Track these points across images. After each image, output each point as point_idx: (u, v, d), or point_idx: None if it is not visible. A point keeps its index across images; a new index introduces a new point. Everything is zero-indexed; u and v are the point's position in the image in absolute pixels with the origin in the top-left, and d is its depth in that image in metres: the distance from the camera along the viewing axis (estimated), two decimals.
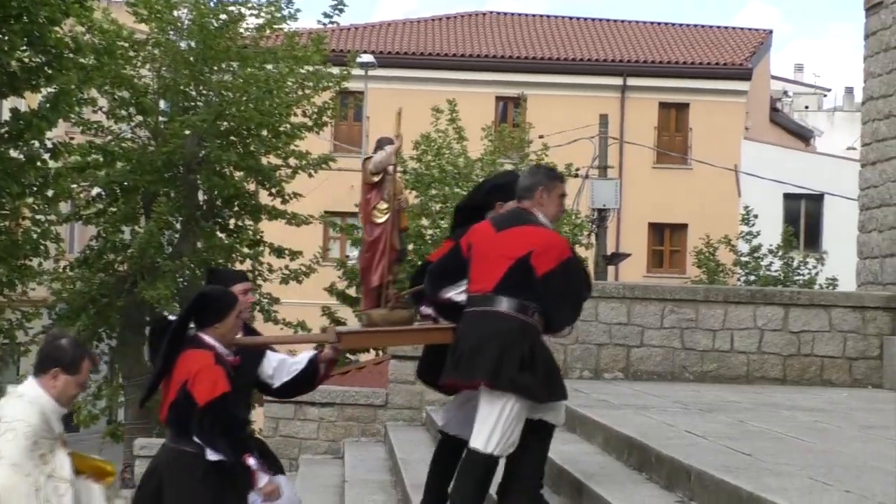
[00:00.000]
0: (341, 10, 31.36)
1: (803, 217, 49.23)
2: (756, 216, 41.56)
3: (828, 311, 17.02)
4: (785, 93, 62.34)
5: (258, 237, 30.76)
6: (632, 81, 48.90)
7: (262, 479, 8.21)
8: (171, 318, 8.75)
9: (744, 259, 42.22)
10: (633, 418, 11.38)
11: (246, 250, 30.50)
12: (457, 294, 8.60)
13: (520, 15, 55.95)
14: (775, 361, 16.89)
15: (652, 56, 50.49)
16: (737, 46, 52.34)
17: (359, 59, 35.54)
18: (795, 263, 42.35)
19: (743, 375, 16.60)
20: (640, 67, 49.54)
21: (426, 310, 9.02)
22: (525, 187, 8.61)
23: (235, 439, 8.18)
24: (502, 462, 8.47)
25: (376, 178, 9.05)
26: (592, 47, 51.13)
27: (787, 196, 48.13)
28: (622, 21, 54.94)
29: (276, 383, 8.93)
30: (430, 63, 49.04)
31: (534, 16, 55.96)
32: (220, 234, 30.34)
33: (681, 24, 55.13)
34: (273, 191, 30.41)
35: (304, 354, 9.01)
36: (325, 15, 31.28)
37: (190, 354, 8.17)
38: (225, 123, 29.80)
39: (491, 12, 56.02)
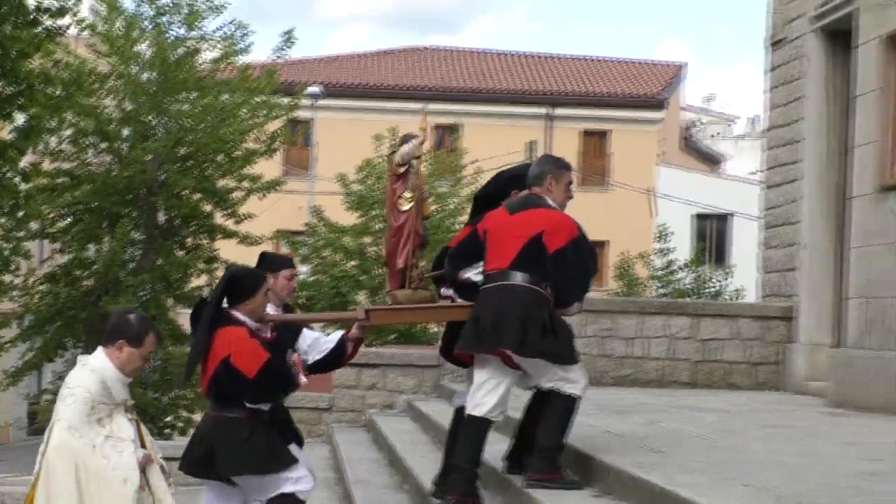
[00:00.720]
0: (291, 45, 31.37)
1: (713, 235, 49.60)
2: (672, 233, 41.90)
3: (733, 321, 17.15)
4: (696, 122, 62.69)
5: (213, 254, 30.72)
6: (558, 111, 49.19)
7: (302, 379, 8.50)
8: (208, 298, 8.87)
9: (658, 273, 42.60)
10: None
11: (202, 266, 30.46)
12: (475, 274, 8.65)
13: (456, 50, 56.10)
14: (685, 367, 17.01)
15: (575, 88, 50.78)
16: (653, 79, 52.65)
17: (307, 90, 35.60)
18: (705, 277, 42.76)
19: (656, 380, 16.68)
20: (564, 98, 49.80)
21: (446, 291, 9.04)
22: (536, 175, 8.64)
23: (288, 384, 8.43)
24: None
25: (402, 169, 9.05)
26: (522, 80, 51.29)
27: (697, 216, 48.54)
28: (549, 56, 55.10)
29: (310, 360, 8.90)
30: (373, 94, 49.07)
31: (469, 50, 56.12)
32: (178, 252, 30.31)
33: (602, 58, 55.32)
34: (227, 212, 30.39)
35: (335, 334, 9.04)
36: (277, 49, 31.29)
37: (225, 331, 8.17)
38: (183, 149, 29.77)
39: (429, 47, 56.11)
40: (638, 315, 17.10)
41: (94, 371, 7.62)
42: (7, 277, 26.47)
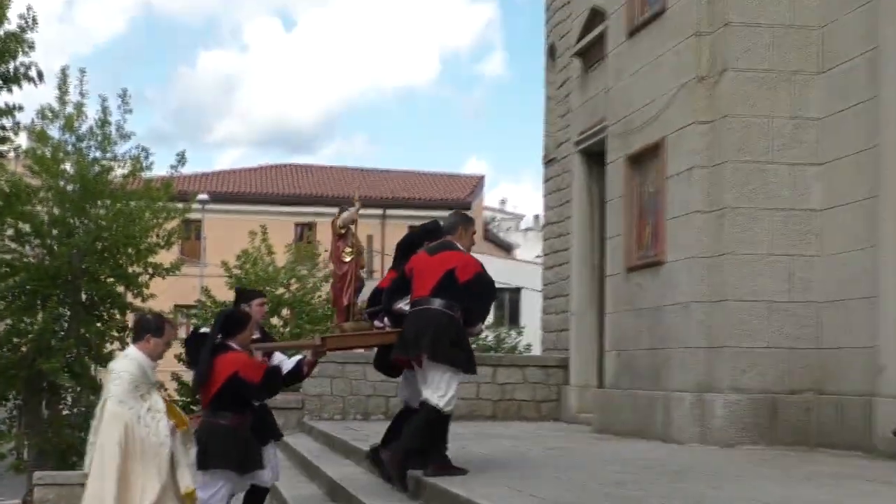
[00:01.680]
0: (184, 163, 31.47)
1: (508, 304, 50.11)
2: None
3: (522, 369, 17.33)
4: (494, 218, 63.43)
5: (124, 325, 30.46)
6: (389, 212, 49.31)
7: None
8: (203, 330, 8.85)
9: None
10: None
11: (115, 334, 30.20)
12: (404, 305, 8.66)
13: (313, 166, 56.21)
14: (488, 404, 17.12)
15: (403, 194, 51.06)
16: (461, 187, 53.25)
17: (198, 197, 35.58)
18: (502, 336, 43.26)
19: (467, 414, 16.72)
20: (394, 202, 50.05)
21: (379, 323, 9.04)
22: (450, 225, 8.79)
23: (278, 388, 8.60)
24: None
25: (343, 231, 9.14)
26: (363, 188, 51.33)
27: (497, 289, 48.94)
28: (383, 170, 55.40)
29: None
30: (249, 199, 48.82)
31: (323, 166, 56.31)
32: (96, 324, 29.99)
33: (423, 172, 55.73)
34: (135, 291, 30.19)
35: (295, 358, 8.95)
36: (173, 166, 31.30)
37: (225, 357, 8.13)
38: (100, 244, 29.54)
39: (292, 164, 56.15)
40: None
41: (133, 359, 7.61)
42: None
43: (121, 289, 30.46)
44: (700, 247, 11.74)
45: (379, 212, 49.09)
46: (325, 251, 37.09)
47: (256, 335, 8.82)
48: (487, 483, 7.97)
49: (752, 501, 6.90)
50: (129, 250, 29.73)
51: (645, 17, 13.20)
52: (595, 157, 16.27)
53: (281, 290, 33.18)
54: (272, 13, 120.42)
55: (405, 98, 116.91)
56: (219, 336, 8.30)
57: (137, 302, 30.10)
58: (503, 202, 73.28)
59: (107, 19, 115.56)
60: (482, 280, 8.60)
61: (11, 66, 22.99)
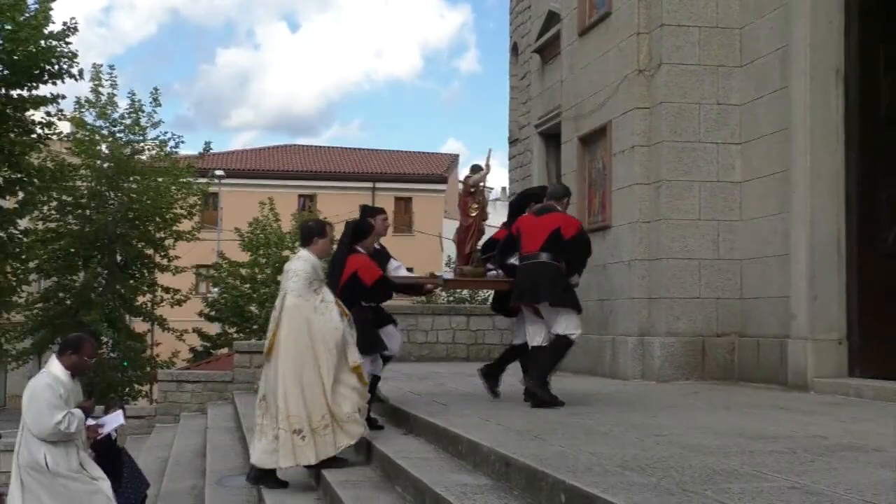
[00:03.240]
0: (209, 150, 31.74)
1: None
2: (455, 263, 42.15)
3: (492, 318, 17.37)
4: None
5: (153, 282, 30.53)
6: (379, 185, 49.25)
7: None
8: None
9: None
10: (381, 385, 11.37)
11: (145, 289, 30.37)
12: (514, 260, 8.79)
13: (314, 146, 55.86)
14: (462, 348, 17.18)
15: (391, 170, 50.91)
16: (439, 164, 53.13)
17: (216, 173, 35.58)
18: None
19: (444, 357, 16.83)
20: (384, 176, 49.93)
21: (491, 270, 9.20)
22: (557, 192, 8.93)
23: (387, 295, 8.53)
24: None
25: (472, 189, 9.18)
26: (355, 164, 51.28)
27: None
28: (373, 150, 55.16)
29: (394, 275, 8.91)
30: (259, 174, 48.56)
31: (323, 147, 55.96)
32: (130, 281, 30.05)
33: (407, 151, 55.57)
34: (161, 254, 30.24)
35: (417, 275, 9.23)
36: (200, 153, 31.53)
37: (354, 257, 8.21)
38: (131, 213, 29.54)
39: (296, 145, 55.93)
40: (431, 315, 17.28)
41: (307, 259, 7.57)
42: (16, 299, 26.10)
43: (149, 251, 30.58)
44: (640, 213, 11.83)
45: (369, 185, 49.09)
46: (324, 218, 37.22)
47: (378, 246, 8.83)
48: (461, 414, 8.02)
49: (684, 427, 7.01)
50: (157, 219, 29.86)
51: (593, 19, 13.21)
52: (552, 138, 16.31)
53: (286, 252, 33.14)
54: (280, 17, 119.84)
55: (394, 89, 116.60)
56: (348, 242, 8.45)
57: (164, 262, 30.32)
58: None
59: (138, 23, 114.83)
60: (582, 237, 8.73)
61: (56, 66, 22.95)
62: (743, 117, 11.60)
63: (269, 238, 34.45)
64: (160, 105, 30.33)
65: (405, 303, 32.98)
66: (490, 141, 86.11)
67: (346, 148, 55.59)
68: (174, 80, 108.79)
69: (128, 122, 30.01)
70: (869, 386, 9.28)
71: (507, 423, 7.33)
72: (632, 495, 4.38)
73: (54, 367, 7.00)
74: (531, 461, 5.30)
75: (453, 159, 55.21)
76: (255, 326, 32.22)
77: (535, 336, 8.72)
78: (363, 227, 8.53)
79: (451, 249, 45.68)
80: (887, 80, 10.17)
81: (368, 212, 8.85)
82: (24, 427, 6.87)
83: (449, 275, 9.81)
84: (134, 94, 30.56)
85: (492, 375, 9.41)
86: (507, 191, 22.02)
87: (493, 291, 9.85)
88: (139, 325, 32.81)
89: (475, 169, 9.35)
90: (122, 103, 30.41)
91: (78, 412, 6.83)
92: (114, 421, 7.31)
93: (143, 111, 30.04)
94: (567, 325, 8.50)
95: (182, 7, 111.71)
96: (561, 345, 8.56)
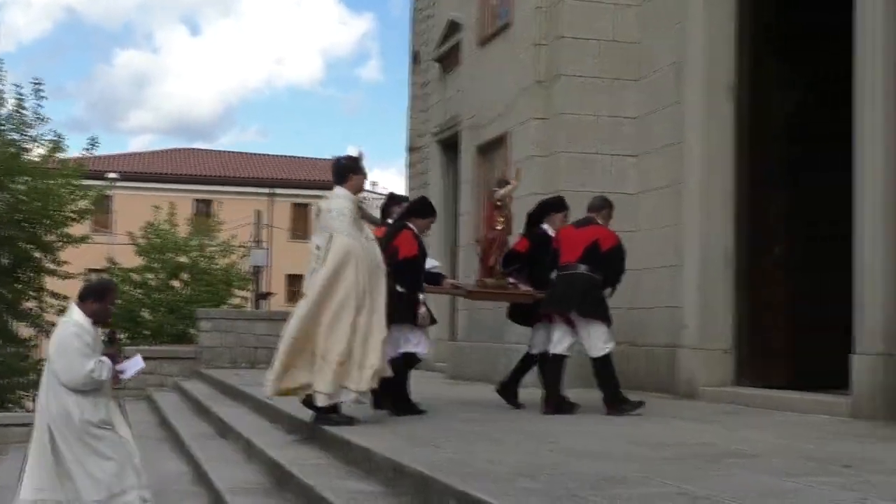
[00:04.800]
0: (96, 146, 30.80)
1: None
2: None
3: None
4: (364, 198, 63.09)
5: (40, 286, 29.78)
6: (277, 191, 48.74)
7: (420, 309, 8.38)
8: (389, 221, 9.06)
9: None
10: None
11: (32, 293, 29.56)
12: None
13: (211, 151, 55.10)
14: None
15: (289, 176, 50.48)
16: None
17: (108, 175, 34.82)
18: None
19: None
20: (281, 181, 49.42)
21: (513, 280, 9.18)
22: (597, 206, 9.01)
23: (418, 281, 8.44)
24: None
25: (500, 203, 9.18)
26: (253, 170, 50.70)
27: None
28: (271, 155, 54.67)
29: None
30: (155, 178, 47.70)
31: (220, 151, 55.21)
32: (15, 285, 29.22)
33: (306, 158, 55.11)
34: (49, 257, 29.50)
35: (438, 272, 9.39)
36: (85, 148, 30.60)
37: (404, 232, 8.44)
38: (20, 215, 28.71)
39: (193, 148, 54.98)
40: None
41: (346, 197, 7.69)
42: None
43: (38, 255, 29.73)
44: None
45: (267, 190, 48.57)
46: (220, 223, 36.95)
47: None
48: (361, 423, 7.87)
49: (576, 434, 7.08)
50: (45, 221, 29.02)
51: (493, 29, 13.31)
52: (450, 146, 16.35)
53: (183, 258, 32.63)
54: (181, 20, 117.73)
55: (295, 96, 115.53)
56: (405, 215, 8.65)
57: (53, 266, 29.56)
58: (374, 184, 72.52)
59: (32, 21, 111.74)
60: (618, 251, 8.79)
61: None
62: (638, 130, 11.79)
63: (165, 243, 33.82)
64: (45, 98, 29.32)
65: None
66: (390, 149, 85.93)
67: (244, 153, 54.97)
68: (69, 80, 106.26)
69: (15, 120, 29.14)
70: (755, 394, 9.52)
71: (403, 431, 7.31)
72: (521, 500, 4.40)
73: (76, 315, 6.69)
74: (422, 467, 5.29)
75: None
76: (146, 332, 31.62)
77: (559, 343, 8.79)
78: (427, 205, 8.87)
79: None
80: (778, 96, 10.47)
81: (427, 205, 9.02)
82: (48, 381, 6.52)
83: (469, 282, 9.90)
84: (21, 88, 29.54)
85: (509, 391, 9.38)
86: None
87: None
88: (25, 331, 31.92)
89: (501, 183, 9.47)
90: (11, 100, 29.09)
91: (106, 360, 6.59)
92: (134, 366, 7.04)
93: (25, 107, 29.09)
94: (597, 342, 8.59)
95: (79, 6, 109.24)
96: (602, 365, 8.64)
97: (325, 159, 55.31)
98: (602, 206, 9.09)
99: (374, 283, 7.56)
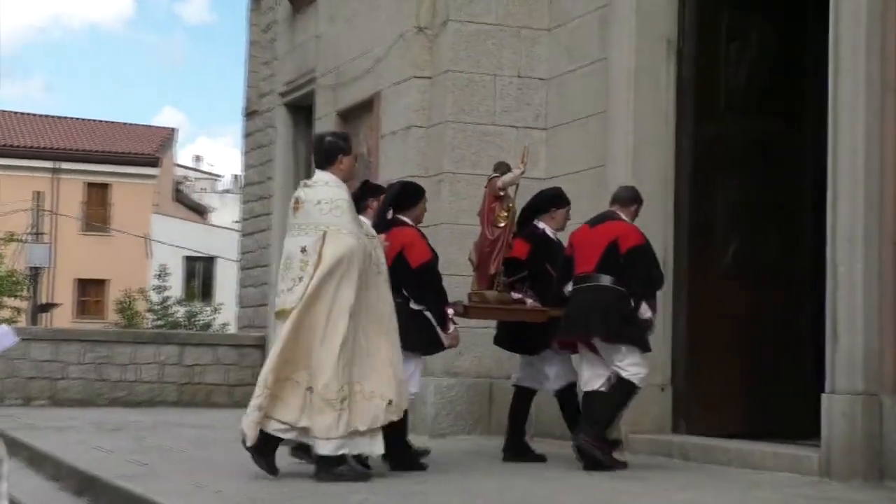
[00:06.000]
0: None
1: (200, 275, 49.65)
2: (170, 273, 41.80)
3: (214, 349, 17.11)
4: (186, 177, 62.47)
5: None
6: (64, 165, 47.73)
7: (451, 327, 8.64)
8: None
9: (156, 307, 42.41)
10: (54, 438, 11.01)
11: None
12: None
13: None
14: (172, 388, 16.84)
15: (81, 145, 49.48)
16: (148, 140, 52.09)
17: None
18: (196, 311, 42.89)
19: (147, 400, 16.43)
20: (70, 153, 48.41)
21: (517, 294, 9.26)
22: (624, 197, 9.02)
23: (441, 292, 8.63)
24: None
25: (502, 193, 9.16)
26: (29, 136, 49.50)
27: (187, 258, 48.38)
28: (57, 117, 53.40)
29: None
30: None
31: None
32: None
33: (106, 121, 54.22)
34: None
35: None
36: None
37: (400, 230, 8.53)
38: None
39: None
40: (132, 344, 16.89)
41: (338, 185, 7.82)
42: None
43: None
44: None
45: (50, 165, 47.35)
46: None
47: None
48: (167, 478, 7.86)
49: (460, 496, 7.02)
50: None
51: None
52: (302, 111, 16.21)
53: None
54: None
55: (94, 39, 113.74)
56: (390, 210, 8.66)
57: None
58: (198, 159, 72.11)
59: None
60: (644, 251, 8.71)
61: None
62: (551, 95, 11.81)
63: None
64: None
65: (96, 326, 32.18)
66: (222, 114, 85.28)
67: (19, 113, 53.53)
68: None
69: None
70: (697, 444, 9.58)
71: (226, 489, 7.23)
72: None
73: None
74: None
75: (169, 135, 54.33)
76: None
77: (592, 380, 8.76)
78: (412, 189, 8.93)
79: (161, 256, 45.02)
80: (729, 55, 10.58)
81: (413, 189, 9.07)
82: None
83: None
84: None
85: (519, 451, 9.34)
86: (241, 180, 21.73)
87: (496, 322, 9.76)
88: None
89: (501, 167, 9.42)
90: None
91: None
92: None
93: None
94: (626, 364, 8.53)
95: None
96: (622, 390, 8.58)
97: (132, 125, 54.60)
98: (633, 199, 9.08)
99: (380, 292, 7.81)
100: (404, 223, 8.71)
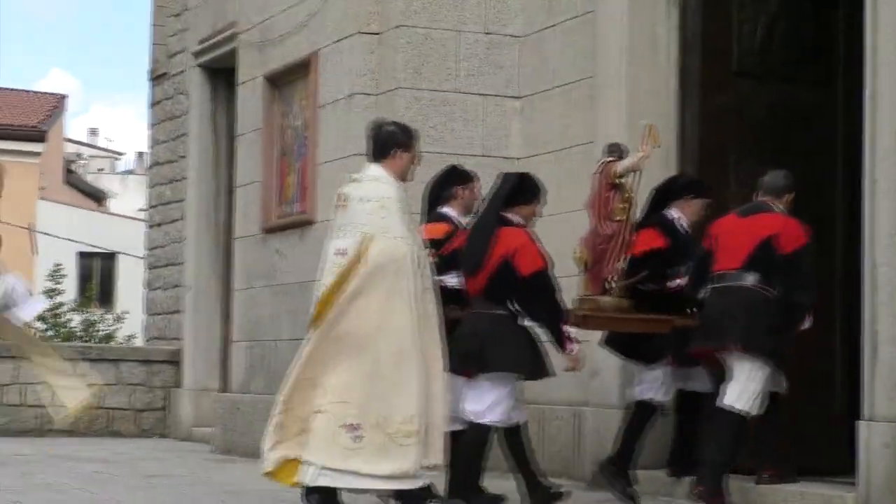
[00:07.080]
0: None
1: (98, 275, 49.34)
2: (66, 275, 41.51)
3: (116, 365, 17.03)
4: (79, 155, 62.11)
5: None
6: None
7: (571, 345, 8.59)
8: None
9: (45, 315, 42.09)
10: None
11: None
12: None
13: None
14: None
15: None
16: (32, 109, 51.73)
17: None
18: (94, 319, 42.54)
19: (35, 429, 16.34)
20: None
21: (671, 284, 9.37)
22: (777, 186, 9.02)
23: (555, 306, 8.58)
24: None
25: (619, 181, 9.20)
26: None
27: (81, 254, 48.06)
28: None
29: None
30: None
31: None
32: None
33: None
34: None
35: None
36: None
37: (510, 231, 8.56)
38: None
39: None
40: (13, 360, 16.73)
41: (390, 182, 8.07)
42: None
43: None
44: None
45: None
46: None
47: None
48: None
49: None
50: None
51: None
52: (222, 74, 16.20)
53: None
54: None
55: None
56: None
57: None
58: (94, 133, 71.82)
59: None
60: (808, 254, 8.70)
61: None
62: (526, 56, 11.83)
63: None
64: None
65: None
66: (124, 78, 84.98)
67: None
68: None
69: None
70: None
71: None
72: None
73: None
74: None
75: (57, 104, 54.01)
76: None
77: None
78: (530, 185, 8.94)
79: (46, 253, 44.72)
80: (743, 8, 10.60)
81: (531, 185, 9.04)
82: None
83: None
84: None
85: (619, 472, 9.37)
86: (147, 159, 21.65)
87: None
88: None
89: (615, 149, 9.41)
90: None
91: None
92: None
93: None
94: (744, 391, 8.57)
95: None
96: (725, 424, 8.59)
97: (13, 91, 54.24)
98: (786, 187, 9.09)
99: (428, 307, 7.96)
100: (513, 223, 8.69)
